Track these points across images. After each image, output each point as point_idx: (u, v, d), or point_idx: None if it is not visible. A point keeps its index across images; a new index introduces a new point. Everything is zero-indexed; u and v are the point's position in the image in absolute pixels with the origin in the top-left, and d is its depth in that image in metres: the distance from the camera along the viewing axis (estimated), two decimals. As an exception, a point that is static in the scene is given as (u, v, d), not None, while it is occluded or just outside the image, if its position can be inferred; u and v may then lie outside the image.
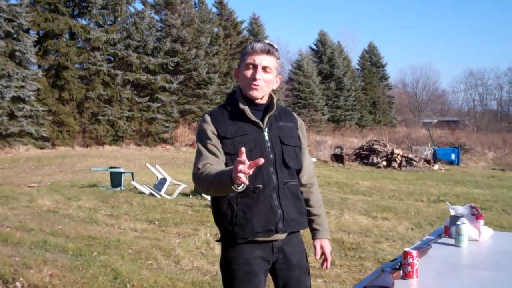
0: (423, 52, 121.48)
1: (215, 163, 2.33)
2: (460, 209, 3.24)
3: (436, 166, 20.58)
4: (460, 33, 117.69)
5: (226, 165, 2.37)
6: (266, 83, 2.40)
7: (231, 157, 2.36)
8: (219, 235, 2.51)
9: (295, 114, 2.67)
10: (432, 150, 24.17)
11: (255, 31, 42.01)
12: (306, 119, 38.84)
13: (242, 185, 2.06)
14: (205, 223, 7.57)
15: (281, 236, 2.42)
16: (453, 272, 2.46)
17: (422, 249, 2.66)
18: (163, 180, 11.41)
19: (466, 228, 2.94)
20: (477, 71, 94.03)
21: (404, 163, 20.41)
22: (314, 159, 21.54)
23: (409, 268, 2.31)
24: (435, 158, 22.39)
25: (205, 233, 6.90)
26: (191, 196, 10.52)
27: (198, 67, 32.16)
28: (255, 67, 2.37)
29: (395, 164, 20.19)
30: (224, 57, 36.05)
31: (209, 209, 8.61)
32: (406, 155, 21.30)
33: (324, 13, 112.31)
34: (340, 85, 48.26)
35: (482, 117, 71.58)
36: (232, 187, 2.06)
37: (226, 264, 2.45)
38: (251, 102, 2.43)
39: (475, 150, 28.91)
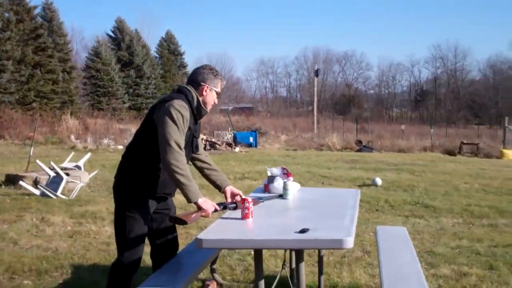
0: (219, 41, 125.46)
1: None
2: (275, 171, 4.10)
3: (237, 149, 22.19)
4: (253, 22, 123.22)
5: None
6: None
7: None
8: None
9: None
10: (232, 134, 25.92)
11: (49, 16, 39.95)
12: (106, 108, 38.30)
13: None
14: (27, 210, 7.48)
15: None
16: (279, 213, 3.30)
17: (256, 201, 3.40)
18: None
19: (292, 184, 3.81)
20: (268, 60, 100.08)
21: (208, 146, 21.63)
22: (121, 147, 21.68)
23: (246, 211, 3.04)
24: (236, 142, 24.08)
25: (31, 218, 6.88)
26: (3, 186, 10.10)
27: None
28: (218, 95, 3.36)
29: (199, 148, 21.25)
30: (17, 43, 33.82)
31: (27, 197, 8.58)
32: (209, 139, 22.56)
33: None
34: (140, 73, 48.24)
35: (274, 103, 76.61)
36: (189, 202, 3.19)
37: (128, 210, 3.19)
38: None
39: (270, 134, 31.58)
